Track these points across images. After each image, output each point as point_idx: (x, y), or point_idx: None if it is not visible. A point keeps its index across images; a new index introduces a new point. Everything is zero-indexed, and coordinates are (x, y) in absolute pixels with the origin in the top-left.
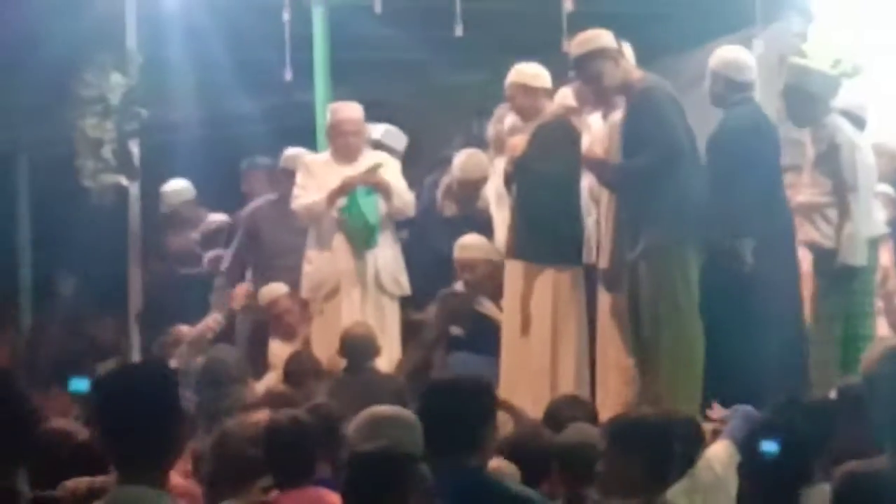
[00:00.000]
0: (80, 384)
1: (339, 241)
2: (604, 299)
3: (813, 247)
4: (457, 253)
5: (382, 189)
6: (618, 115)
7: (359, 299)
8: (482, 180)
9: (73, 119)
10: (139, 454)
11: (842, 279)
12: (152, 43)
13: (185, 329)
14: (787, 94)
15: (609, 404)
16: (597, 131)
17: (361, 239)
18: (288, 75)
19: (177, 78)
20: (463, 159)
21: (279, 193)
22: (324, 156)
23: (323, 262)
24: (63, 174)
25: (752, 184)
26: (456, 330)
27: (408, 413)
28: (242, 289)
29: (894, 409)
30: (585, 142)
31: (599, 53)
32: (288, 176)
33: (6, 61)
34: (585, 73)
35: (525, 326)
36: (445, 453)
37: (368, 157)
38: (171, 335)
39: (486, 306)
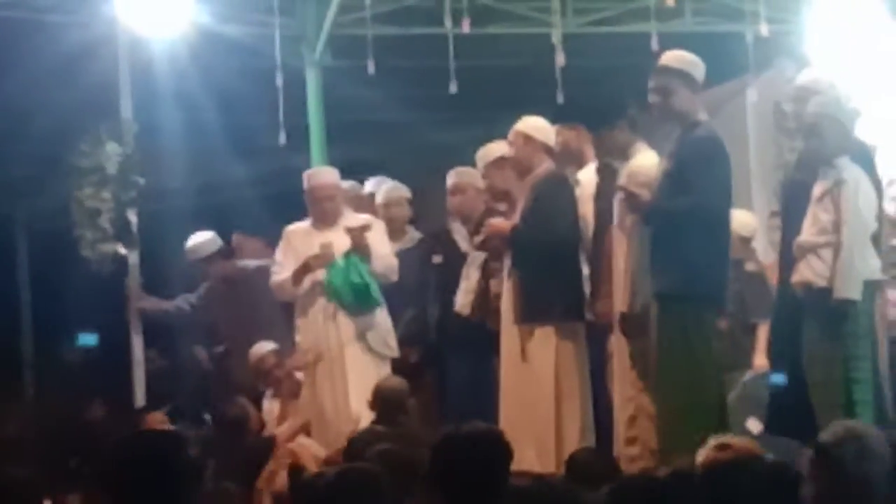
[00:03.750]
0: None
1: (320, 306)
2: (621, 345)
3: (806, 288)
4: (450, 179)
5: (362, 252)
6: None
7: (347, 363)
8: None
9: (71, 189)
10: None
11: (834, 322)
12: (147, 111)
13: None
14: (820, 125)
15: (634, 453)
16: (586, 185)
17: (358, 303)
18: (282, 139)
19: (172, 145)
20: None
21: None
22: (305, 223)
23: (308, 329)
24: (61, 244)
25: None
26: (436, 258)
27: None
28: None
29: None
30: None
31: (681, 76)
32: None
33: (1, 133)
34: (658, 84)
35: (527, 382)
36: None
37: (349, 220)
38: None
39: (458, 231)
